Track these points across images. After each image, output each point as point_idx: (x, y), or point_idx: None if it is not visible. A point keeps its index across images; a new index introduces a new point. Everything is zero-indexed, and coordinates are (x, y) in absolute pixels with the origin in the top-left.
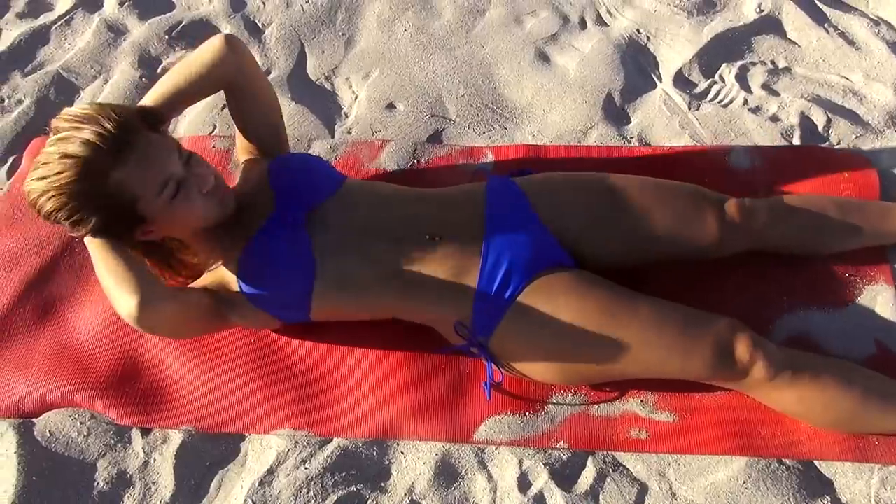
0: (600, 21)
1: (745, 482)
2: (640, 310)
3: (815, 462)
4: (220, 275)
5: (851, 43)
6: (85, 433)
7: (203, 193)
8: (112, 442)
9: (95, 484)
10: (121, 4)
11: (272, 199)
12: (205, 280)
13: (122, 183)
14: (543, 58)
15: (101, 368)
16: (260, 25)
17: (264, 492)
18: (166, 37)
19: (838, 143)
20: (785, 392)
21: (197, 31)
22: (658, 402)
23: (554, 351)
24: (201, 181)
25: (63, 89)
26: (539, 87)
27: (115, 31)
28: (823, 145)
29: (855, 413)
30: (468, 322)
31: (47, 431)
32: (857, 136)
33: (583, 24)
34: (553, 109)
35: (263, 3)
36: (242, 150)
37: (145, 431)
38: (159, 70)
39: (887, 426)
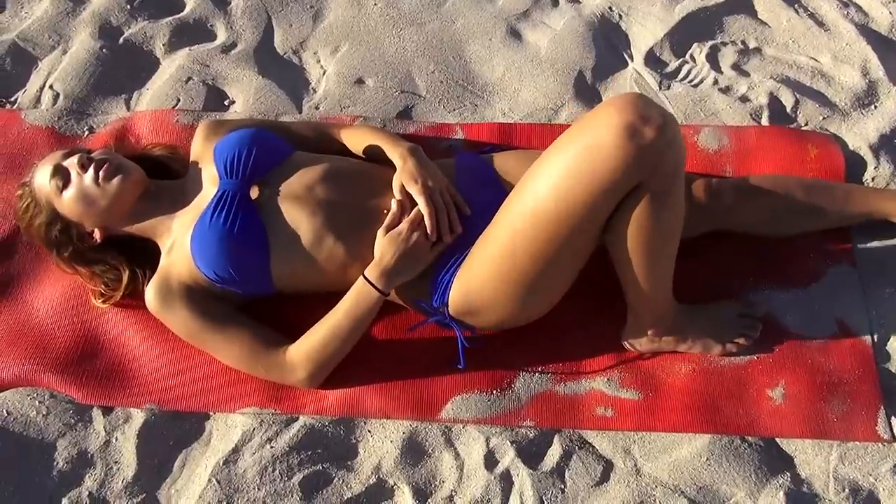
0: None
1: (707, 459)
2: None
3: (777, 439)
4: (183, 262)
5: (821, 24)
6: (44, 412)
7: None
8: (72, 421)
9: (55, 464)
10: None
11: (218, 177)
12: (170, 268)
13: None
14: (515, 35)
15: (61, 346)
16: None
17: (229, 471)
18: (128, 6)
19: (806, 125)
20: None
21: (160, 1)
22: (623, 380)
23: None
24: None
25: (20, 59)
26: (510, 65)
27: None
28: (791, 126)
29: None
30: (426, 297)
31: (4, 411)
32: (824, 118)
33: (555, 2)
34: (524, 87)
35: None
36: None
37: (107, 410)
38: (120, 41)
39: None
